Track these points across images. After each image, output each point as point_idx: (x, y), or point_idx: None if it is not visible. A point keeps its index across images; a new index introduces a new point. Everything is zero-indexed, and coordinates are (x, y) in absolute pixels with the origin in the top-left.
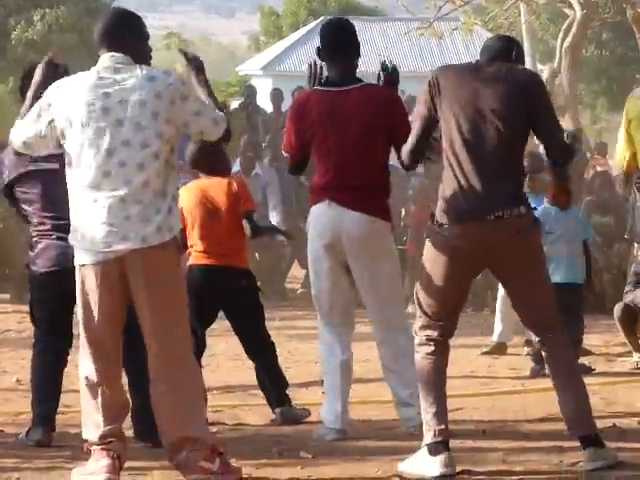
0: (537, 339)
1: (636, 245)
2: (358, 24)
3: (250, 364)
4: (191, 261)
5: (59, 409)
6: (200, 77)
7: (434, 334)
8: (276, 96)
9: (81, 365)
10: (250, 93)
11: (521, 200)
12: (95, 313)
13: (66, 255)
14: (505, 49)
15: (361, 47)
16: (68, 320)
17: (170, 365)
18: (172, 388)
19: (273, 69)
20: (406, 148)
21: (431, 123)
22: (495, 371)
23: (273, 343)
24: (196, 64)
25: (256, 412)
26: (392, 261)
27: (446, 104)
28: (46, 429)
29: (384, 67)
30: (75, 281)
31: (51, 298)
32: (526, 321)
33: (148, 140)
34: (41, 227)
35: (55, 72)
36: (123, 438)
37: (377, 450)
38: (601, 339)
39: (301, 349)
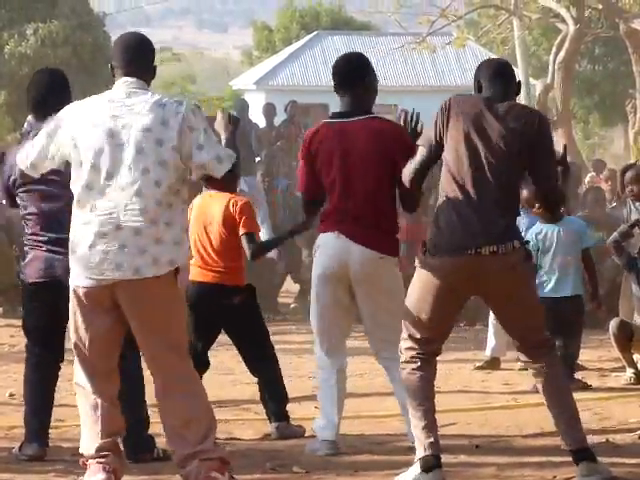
0: (525, 358)
1: None
2: (351, 39)
3: (242, 378)
4: (191, 277)
5: (52, 423)
6: (231, 132)
7: (419, 353)
8: (268, 110)
9: (76, 377)
10: (242, 107)
11: (516, 234)
12: (84, 335)
13: (53, 267)
14: (512, 84)
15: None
16: (60, 333)
17: (175, 385)
18: (180, 406)
19: (266, 83)
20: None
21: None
22: (488, 386)
23: (275, 357)
24: (235, 124)
25: (249, 427)
26: (395, 297)
27: (453, 133)
28: (40, 444)
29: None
30: (63, 294)
31: (40, 308)
32: (517, 343)
33: (149, 166)
34: (33, 238)
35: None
36: (119, 453)
37: (370, 465)
38: (594, 354)
39: (294, 363)
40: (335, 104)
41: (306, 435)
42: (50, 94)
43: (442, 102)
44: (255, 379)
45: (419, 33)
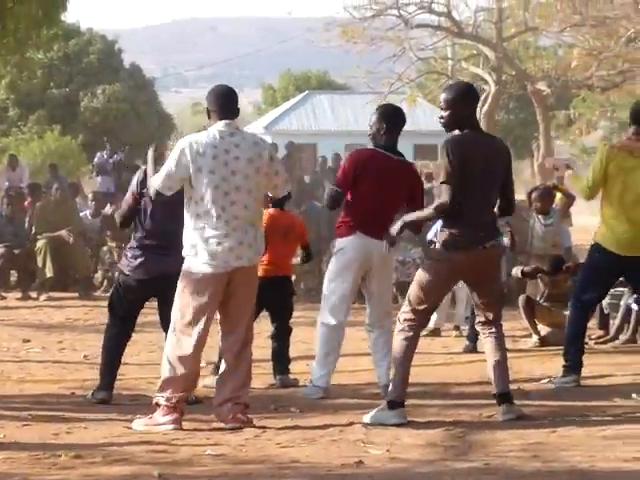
0: (484, 327)
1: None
2: (333, 97)
3: (256, 344)
4: (265, 273)
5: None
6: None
7: (414, 324)
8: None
9: (176, 350)
10: None
11: (499, 231)
12: (202, 313)
13: (161, 265)
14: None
15: (334, 113)
16: (138, 313)
17: (247, 342)
18: (248, 357)
19: (271, 129)
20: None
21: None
22: (432, 348)
23: (290, 330)
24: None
25: (259, 379)
26: (390, 277)
27: (466, 166)
28: (109, 391)
29: None
30: (163, 285)
31: (136, 298)
32: (485, 317)
33: (252, 187)
34: (145, 242)
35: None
36: (184, 402)
37: (346, 406)
38: (508, 325)
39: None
40: (322, 145)
41: (299, 385)
42: None
43: (444, 146)
44: (267, 344)
45: (382, 92)
